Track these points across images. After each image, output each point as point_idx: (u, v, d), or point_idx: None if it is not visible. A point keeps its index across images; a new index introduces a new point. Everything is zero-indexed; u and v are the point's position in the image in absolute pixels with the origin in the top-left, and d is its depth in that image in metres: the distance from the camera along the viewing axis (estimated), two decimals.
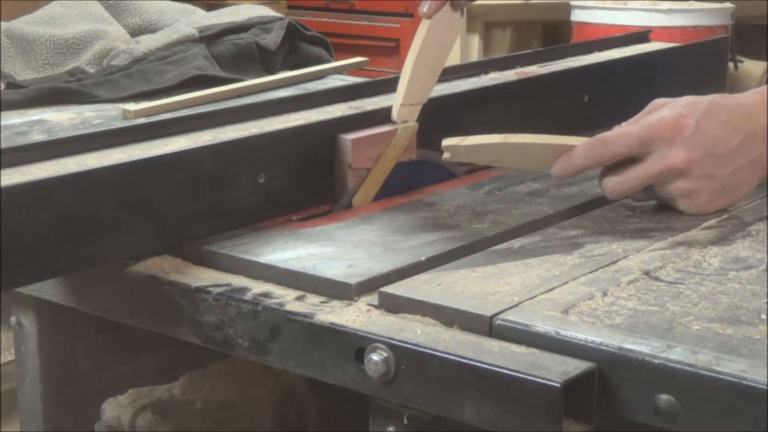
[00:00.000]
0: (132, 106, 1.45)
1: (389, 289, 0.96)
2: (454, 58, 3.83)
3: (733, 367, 0.80)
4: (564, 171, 1.14)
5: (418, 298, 0.94)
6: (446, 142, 1.13)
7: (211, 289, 1.00)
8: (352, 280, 0.98)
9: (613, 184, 1.14)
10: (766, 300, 0.93)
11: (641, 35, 1.85)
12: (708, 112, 1.12)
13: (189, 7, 1.93)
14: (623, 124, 1.15)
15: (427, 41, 1.22)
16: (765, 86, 1.16)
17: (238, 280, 1.03)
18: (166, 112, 1.45)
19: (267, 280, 1.02)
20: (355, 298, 0.97)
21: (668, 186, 1.13)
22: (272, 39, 1.78)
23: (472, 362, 0.85)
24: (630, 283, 0.97)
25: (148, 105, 1.46)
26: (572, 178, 1.30)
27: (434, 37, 1.22)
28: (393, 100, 1.26)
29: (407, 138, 1.24)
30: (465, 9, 1.24)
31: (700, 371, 0.80)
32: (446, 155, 1.13)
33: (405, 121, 1.24)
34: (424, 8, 1.21)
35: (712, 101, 1.13)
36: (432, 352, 0.87)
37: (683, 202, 1.14)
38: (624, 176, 1.13)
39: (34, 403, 1.27)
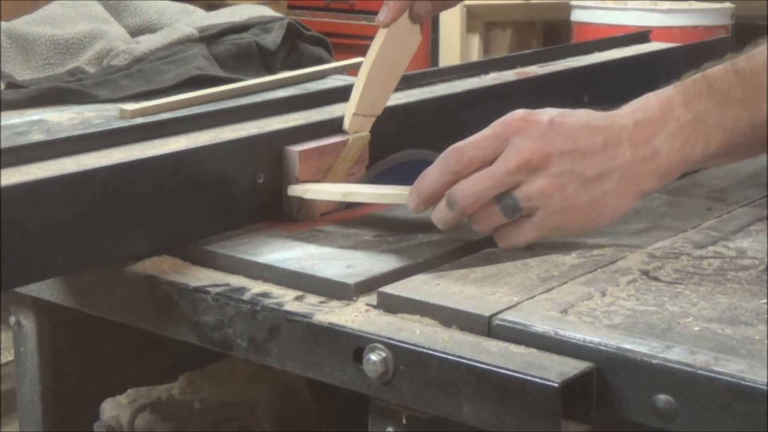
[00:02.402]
0: (129, 106, 1.45)
1: (388, 289, 0.96)
2: (454, 58, 3.84)
3: (732, 368, 0.80)
4: (420, 196, 1.04)
5: (417, 298, 0.94)
6: (290, 191, 1.13)
7: (209, 289, 1.00)
8: (351, 280, 0.98)
9: (466, 187, 1.02)
10: (765, 300, 0.93)
11: (641, 35, 1.85)
12: (564, 112, 1.03)
13: (189, 7, 1.93)
14: None
15: (383, 51, 1.18)
16: (638, 100, 1.06)
17: (236, 280, 1.03)
18: (163, 111, 1.45)
19: (266, 280, 1.02)
20: (354, 298, 0.97)
21: (528, 187, 1.00)
22: (272, 39, 1.78)
23: (470, 362, 0.85)
24: (629, 283, 0.97)
25: (145, 105, 1.46)
26: None
27: (391, 47, 1.19)
28: (394, 100, 1.25)
29: (358, 149, 1.20)
30: (422, 23, 1.20)
31: (699, 371, 0.80)
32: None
33: (356, 132, 1.20)
34: (381, 16, 1.17)
35: (569, 109, 1.05)
36: (430, 352, 0.87)
37: (546, 207, 1.01)
38: (477, 176, 1.02)
39: (33, 403, 1.27)
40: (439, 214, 1.05)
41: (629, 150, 1.02)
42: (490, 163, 1.02)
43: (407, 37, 1.20)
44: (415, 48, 1.21)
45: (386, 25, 1.18)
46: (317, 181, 1.16)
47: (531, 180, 1.01)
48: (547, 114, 1.03)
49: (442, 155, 1.04)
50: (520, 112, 1.03)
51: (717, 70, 1.04)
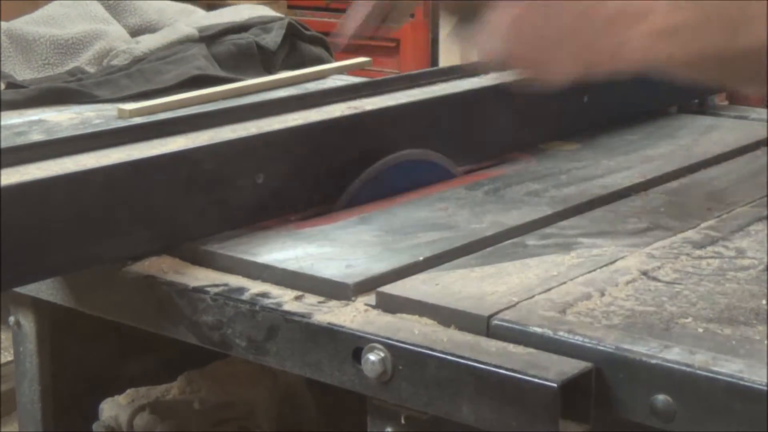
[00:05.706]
0: (127, 106, 1.45)
1: (387, 289, 0.96)
2: (454, 58, 3.84)
3: (731, 368, 0.80)
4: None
5: (416, 298, 0.94)
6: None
7: (208, 289, 1.00)
8: (350, 280, 0.98)
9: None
10: (764, 300, 0.92)
11: None
12: None
13: (189, 7, 1.93)
14: None
15: None
16: None
17: (235, 280, 1.02)
18: (161, 111, 1.45)
19: (265, 280, 1.02)
20: (353, 298, 0.97)
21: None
22: (272, 39, 1.78)
23: (469, 362, 0.85)
24: (628, 283, 0.97)
25: (144, 104, 1.46)
26: (571, 179, 1.30)
27: None
28: (394, 100, 1.24)
29: None
30: None
31: (698, 371, 0.80)
32: None
33: None
34: None
35: None
36: (429, 352, 0.87)
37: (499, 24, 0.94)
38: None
39: (32, 403, 1.27)
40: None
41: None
42: None
43: None
44: None
45: None
46: None
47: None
48: None
49: None
50: None
51: None
